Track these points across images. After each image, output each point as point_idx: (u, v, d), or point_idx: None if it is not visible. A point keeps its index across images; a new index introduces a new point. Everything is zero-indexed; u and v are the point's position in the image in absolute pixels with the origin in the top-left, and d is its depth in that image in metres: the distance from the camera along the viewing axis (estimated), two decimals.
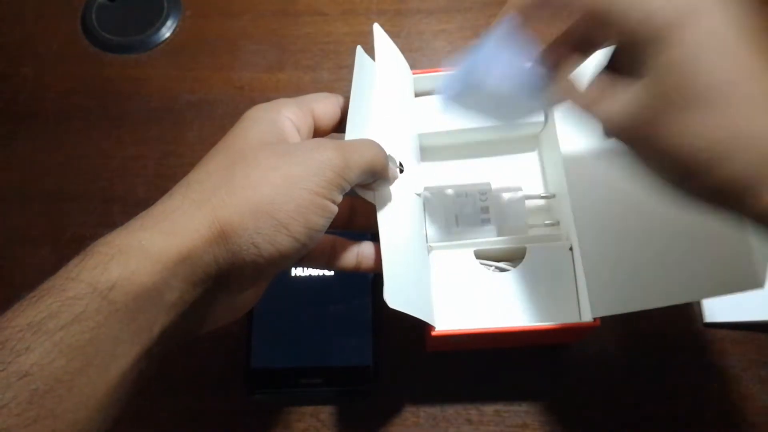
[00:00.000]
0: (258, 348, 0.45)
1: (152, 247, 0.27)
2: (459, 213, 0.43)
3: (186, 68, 0.57)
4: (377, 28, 0.40)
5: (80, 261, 0.26)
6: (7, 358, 0.23)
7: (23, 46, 0.59)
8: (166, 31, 0.59)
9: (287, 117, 0.33)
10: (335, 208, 0.31)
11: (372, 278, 0.47)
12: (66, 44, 0.59)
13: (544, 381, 0.46)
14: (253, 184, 0.29)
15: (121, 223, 0.28)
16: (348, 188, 0.32)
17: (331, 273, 0.47)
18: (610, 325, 0.41)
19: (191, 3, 0.60)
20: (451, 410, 0.45)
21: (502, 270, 0.42)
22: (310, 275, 0.47)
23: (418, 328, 0.47)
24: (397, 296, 0.32)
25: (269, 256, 0.29)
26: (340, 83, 0.56)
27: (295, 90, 0.56)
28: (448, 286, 0.41)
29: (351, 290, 0.46)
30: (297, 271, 0.47)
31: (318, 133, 0.36)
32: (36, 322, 0.24)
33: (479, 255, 0.42)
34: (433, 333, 0.39)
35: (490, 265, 0.42)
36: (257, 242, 0.28)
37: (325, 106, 0.35)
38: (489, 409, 0.45)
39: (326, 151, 0.30)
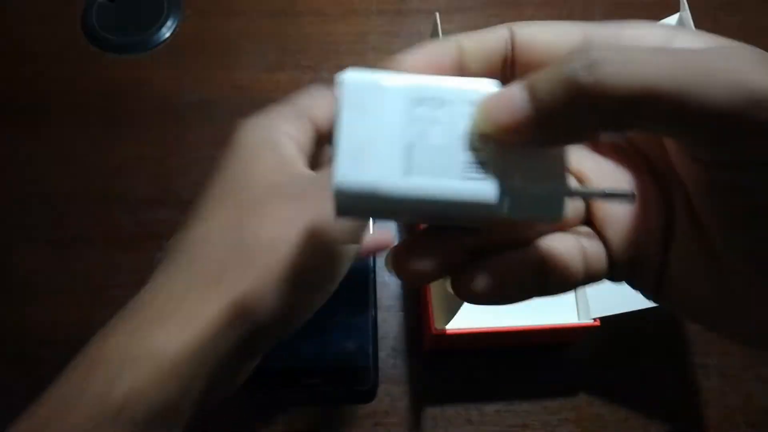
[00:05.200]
0: None
1: (165, 351, 0.23)
2: None
3: (186, 68, 0.57)
4: (437, 18, 0.41)
5: (86, 373, 0.23)
6: None
7: (23, 46, 0.59)
8: (166, 31, 0.59)
9: (288, 135, 0.28)
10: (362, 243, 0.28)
11: (373, 278, 0.47)
12: (66, 44, 0.59)
13: (544, 381, 0.46)
14: (269, 246, 0.25)
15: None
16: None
17: None
18: (610, 325, 0.41)
19: (191, 3, 0.60)
20: (451, 410, 0.45)
21: None
22: None
23: (417, 328, 0.47)
24: None
25: (300, 315, 0.27)
26: None
27: (295, 90, 0.56)
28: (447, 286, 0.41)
29: (351, 290, 0.46)
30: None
31: (321, 138, 0.32)
32: None
33: None
34: (434, 332, 0.39)
35: None
36: (285, 311, 0.25)
37: (322, 107, 0.31)
38: (489, 409, 0.45)
39: None
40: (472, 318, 0.41)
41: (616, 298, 0.38)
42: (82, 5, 0.60)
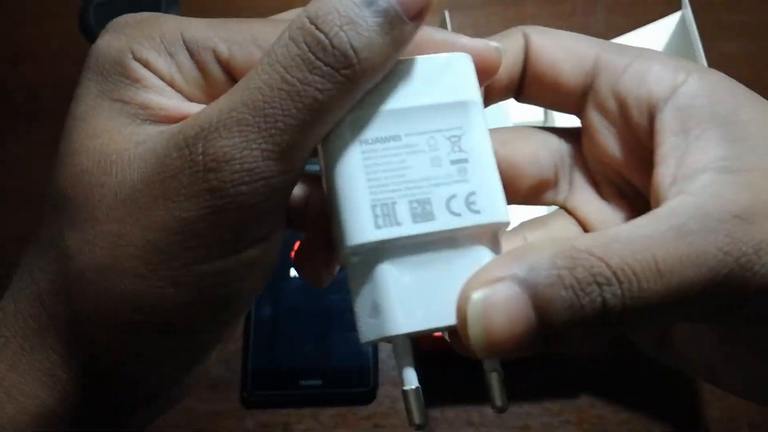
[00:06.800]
0: (257, 349, 0.45)
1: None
2: None
3: None
4: (446, 16, 0.41)
5: None
6: None
7: (22, 46, 0.59)
8: None
9: (143, 62, 0.18)
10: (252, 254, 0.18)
11: None
12: (65, 44, 0.58)
13: (545, 382, 0.45)
14: (103, 277, 0.18)
15: None
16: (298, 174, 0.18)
17: None
18: None
19: (189, 3, 0.60)
20: (451, 412, 0.45)
21: None
22: None
23: None
24: None
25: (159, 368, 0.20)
26: None
27: None
28: None
29: None
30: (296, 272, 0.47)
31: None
32: None
33: None
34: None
35: None
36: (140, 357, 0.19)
37: (250, 47, 0.19)
38: (490, 410, 0.45)
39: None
40: None
41: None
42: (81, 5, 0.60)
